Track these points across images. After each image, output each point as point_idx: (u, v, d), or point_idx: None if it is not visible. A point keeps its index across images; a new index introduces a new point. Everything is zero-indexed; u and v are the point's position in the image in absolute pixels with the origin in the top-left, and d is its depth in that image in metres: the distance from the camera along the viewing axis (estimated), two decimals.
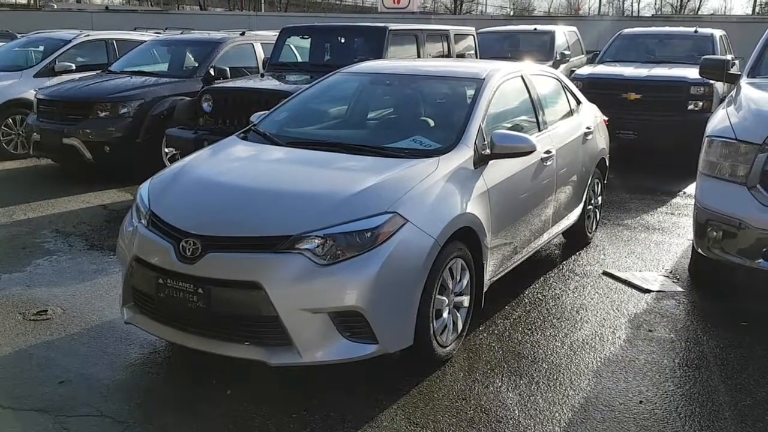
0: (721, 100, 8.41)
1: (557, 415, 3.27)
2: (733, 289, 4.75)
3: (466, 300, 3.85)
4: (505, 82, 4.64)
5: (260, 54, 9.39)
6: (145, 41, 10.11)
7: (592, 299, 4.72)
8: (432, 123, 4.44)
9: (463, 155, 3.92)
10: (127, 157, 7.98)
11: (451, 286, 3.68)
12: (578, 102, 5.79)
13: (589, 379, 3.60)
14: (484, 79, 4.48)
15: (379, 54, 7.53)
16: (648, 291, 4.88)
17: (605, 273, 5.25)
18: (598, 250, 5.81)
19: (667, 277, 5.19)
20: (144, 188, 3.91)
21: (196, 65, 8.88)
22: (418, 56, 8.17)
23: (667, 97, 9.11)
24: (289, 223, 3.29)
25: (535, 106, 4.90)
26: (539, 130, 4.83)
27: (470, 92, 4.42)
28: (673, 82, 9.18)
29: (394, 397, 3.37)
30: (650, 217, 6.92)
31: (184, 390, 3.46)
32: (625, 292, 4.88)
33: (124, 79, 8.59)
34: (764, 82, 5.08)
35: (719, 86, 9.21)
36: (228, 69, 8.51)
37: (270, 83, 7.43)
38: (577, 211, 5.52)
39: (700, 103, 9.00)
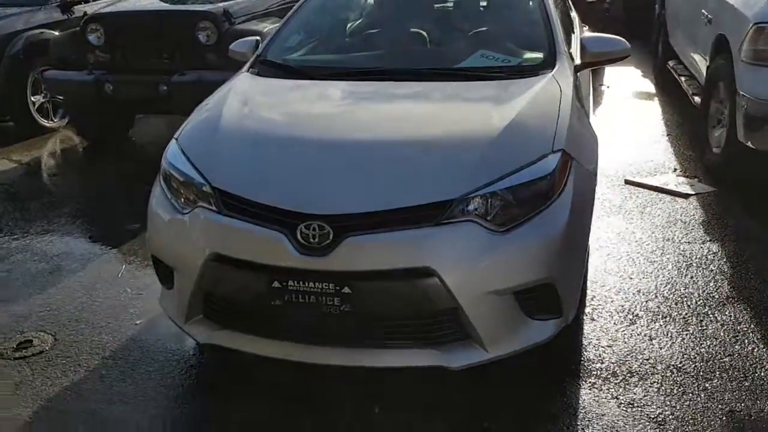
0: None
1: None
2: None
3: None
4: None
5: None
6: None
7: (652, 218, 4.26)
8: (495, 33, 3.67)
9: (567, 68, 3.25)
10: None
11: None
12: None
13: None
14: None
15: None
16: (688, 195, 4.63)
17: (628, 182, 4.91)
18: None
19: (687, 177, 4.96)
20: (175, 157, 2.80)
21: None
22: None
23: None
24: (443, 184, 2.46)
25: (568, 12, 4.28)
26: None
27: None
28: None
29: (575, 384, 2.74)
30: (600, 115, 6.69)
31: (322, 421, 2.59)
32: (663, 199, 4.57)
33: None
34: None
35: None
36: None
37: (178, 4, 6.03)
38: None
39: None
